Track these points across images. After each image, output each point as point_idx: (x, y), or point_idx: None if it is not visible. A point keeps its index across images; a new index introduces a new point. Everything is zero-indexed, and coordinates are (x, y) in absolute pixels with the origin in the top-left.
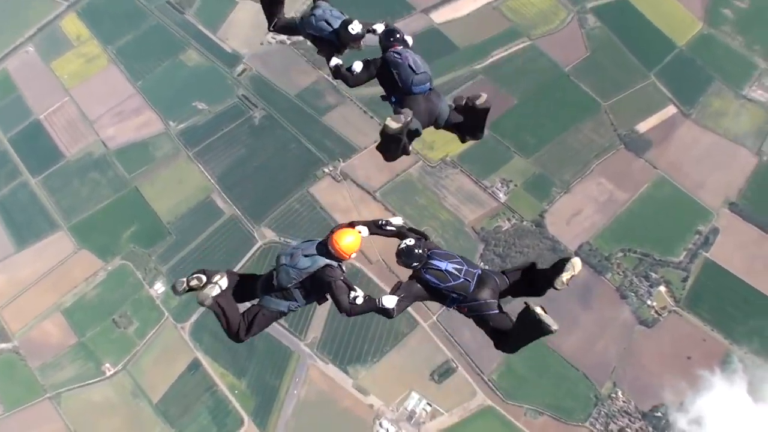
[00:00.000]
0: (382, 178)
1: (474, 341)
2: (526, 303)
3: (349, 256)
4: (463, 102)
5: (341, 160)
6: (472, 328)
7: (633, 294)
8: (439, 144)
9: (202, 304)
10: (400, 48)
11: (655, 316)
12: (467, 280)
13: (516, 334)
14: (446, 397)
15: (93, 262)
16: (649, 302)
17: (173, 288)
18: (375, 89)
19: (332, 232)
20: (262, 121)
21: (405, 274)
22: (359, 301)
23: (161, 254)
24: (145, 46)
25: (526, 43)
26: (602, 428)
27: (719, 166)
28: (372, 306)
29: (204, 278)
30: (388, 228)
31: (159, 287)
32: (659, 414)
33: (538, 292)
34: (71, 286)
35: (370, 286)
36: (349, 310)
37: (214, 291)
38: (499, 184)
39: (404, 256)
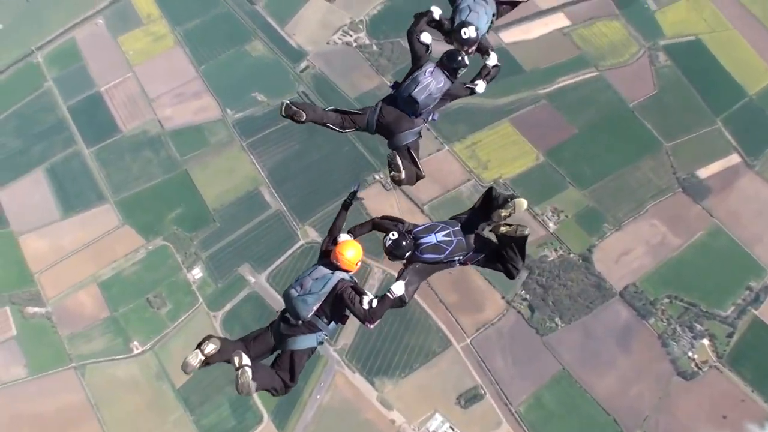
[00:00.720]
0: (432, 192)
1: (506, 370)
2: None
3: (356, 266)
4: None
5: None
6: (506, 355)
7: (675, 343)
8: (493, 164)
9: (249, 394)
10: (443, 71)
11: (695, 369)
12: (460, 239)
13: (509, 255)
14: (470, 423)
15: (135, 239)
16: (690, 354)
17: (184, 367)
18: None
19: (323, 253)
20: None
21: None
22: (374, 304)
23: (203, 240)
24: (212, 32)
25: (594, 74)
26: None
27: None
28: (388, 303)
29: (219, 343)
30: (364, 227)
31: (197, 273)
32: None
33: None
34: (111, 259)
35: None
36: (370, 317)
37: (248, 376)
38: (550, 213)
39: (395, 251)
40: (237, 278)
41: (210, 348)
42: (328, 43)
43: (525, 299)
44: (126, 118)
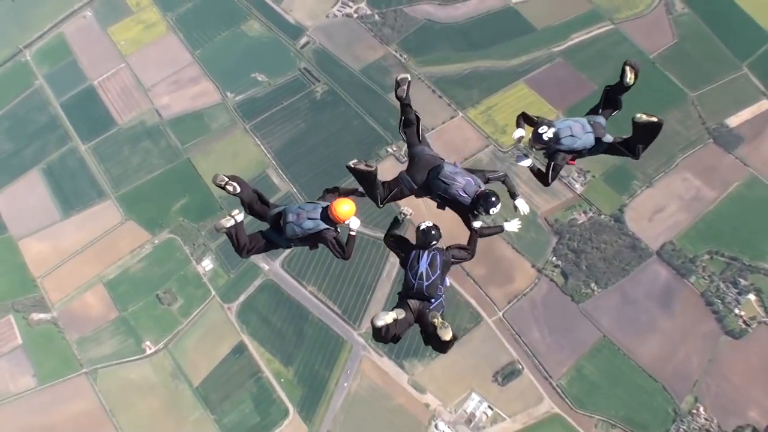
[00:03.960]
0: (449, 161)
1: (543, 342)
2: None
3: (343, 221)
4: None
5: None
6: (541, 326)
7: (719, 301)
8: (512, 128)
9: (217, 230)
10: (474, 200)
11: (743, 326)
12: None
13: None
14: (510, 401)
15: (140, 234)
16: (736, 311)
17: (214, 179)
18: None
19: (329, 191)
20: (324, 95)
21: None
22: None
23: (212, 230)
24: (206, 15)
25: (609, 27)
26: None
27: None
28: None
29: (238, 188)
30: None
31: (207, 264)
32: None
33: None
34: (116, 257)
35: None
36: (346, 257)
37: (228, 223)
38: (576, 175)
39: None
40: (250, 267)
41: (229, 188)
42: (327, 17)
43: (557, 266)
44: (122, 110)
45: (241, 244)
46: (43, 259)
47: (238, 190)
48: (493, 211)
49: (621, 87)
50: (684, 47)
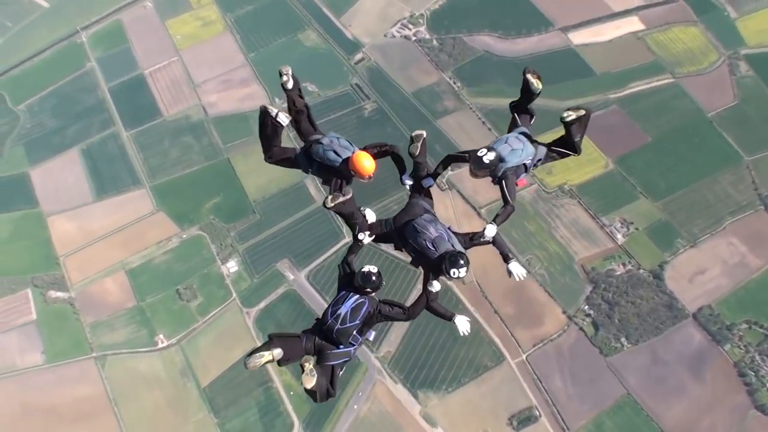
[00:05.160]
0: (490, 194)
1: (564, 391)
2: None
3: (355, 170)
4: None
5: (450, 168)
6: (565, 375)
7: (753, 373)
8: (558, 170)
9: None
10: (439, 262)
11: None
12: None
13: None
14: None
15: (168, 227)
16: None
17: (282, 68)
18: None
19: (364, 147)
20: (372, 113)
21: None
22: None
23: (241, 232)
24: (265, 19)
25: (669, 80)
26: None
27: None
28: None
29: (292, 84)
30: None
31: (232, 266)
32: None
33: None
34: (142, 246)
35: (459, 307)
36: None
37: (280, 116)
38: (619, 225)
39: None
40: (274, 274)
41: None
42: (385, 36)
43: (589, 315)
44: (169, 103)
45: (273, 142)
46: (69, 239)
47: (291, 85)
48: (455, 273)
49: (530, 96)
50: (744, 109)
